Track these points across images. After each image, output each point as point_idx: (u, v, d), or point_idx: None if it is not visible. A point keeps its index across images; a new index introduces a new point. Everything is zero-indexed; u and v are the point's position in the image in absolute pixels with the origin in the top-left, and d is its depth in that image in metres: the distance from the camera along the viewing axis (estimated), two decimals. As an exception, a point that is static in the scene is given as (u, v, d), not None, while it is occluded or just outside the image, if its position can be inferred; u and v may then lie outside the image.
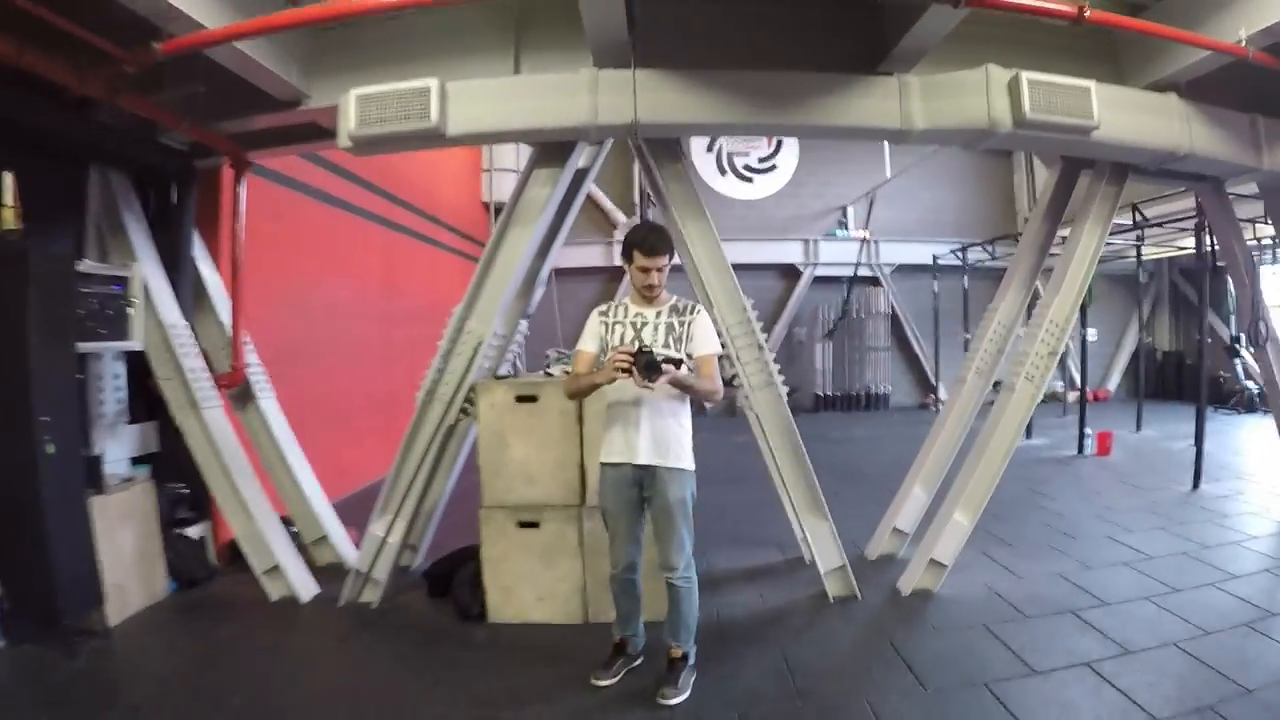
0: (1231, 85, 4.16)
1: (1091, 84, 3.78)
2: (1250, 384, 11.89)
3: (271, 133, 4.61)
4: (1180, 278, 14.22)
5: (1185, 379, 13.99)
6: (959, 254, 13.08)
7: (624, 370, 2.80)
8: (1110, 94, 3.90)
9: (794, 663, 3.45)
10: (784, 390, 4.18)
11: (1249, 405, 11.69)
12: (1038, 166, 13.95)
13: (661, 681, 3.13)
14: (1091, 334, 10.24)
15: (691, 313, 3.14)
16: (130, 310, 4.18)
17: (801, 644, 3.67)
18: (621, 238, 13.71)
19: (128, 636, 3.84)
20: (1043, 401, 4.50)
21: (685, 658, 3.19)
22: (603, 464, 3.15)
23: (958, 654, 3.54)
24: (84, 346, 3.96)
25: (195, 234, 4.90)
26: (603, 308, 3.21)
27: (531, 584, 3.94)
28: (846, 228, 14.51)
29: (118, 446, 4.46)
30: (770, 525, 5.43)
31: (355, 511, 5.29)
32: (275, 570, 4.36)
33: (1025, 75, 3.68)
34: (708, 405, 3.30)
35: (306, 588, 4.40)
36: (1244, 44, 3.62)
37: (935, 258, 13.62)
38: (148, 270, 4.40)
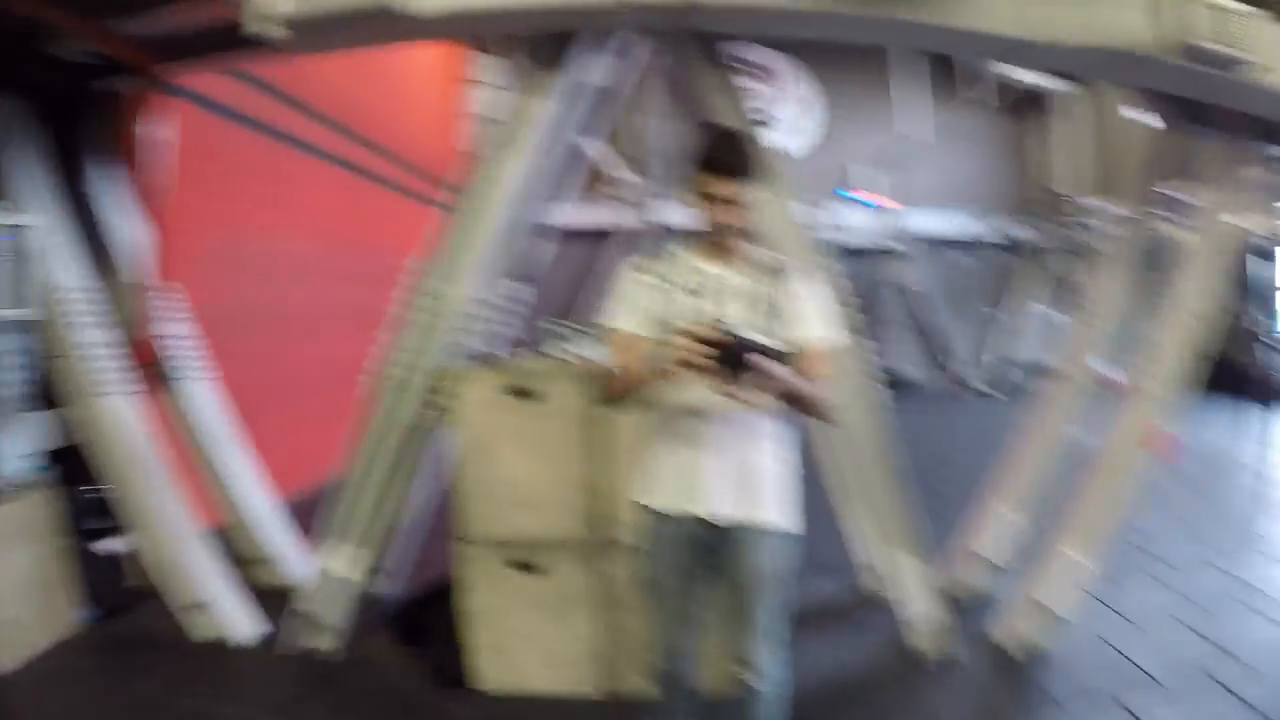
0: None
1: (1263, 15, 2.81)
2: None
3: (192, 40, 3.51)
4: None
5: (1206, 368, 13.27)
6: (992, 226, 12.14)
7: (703, 366, 1.69)
8: (1275, 32, 2.89)
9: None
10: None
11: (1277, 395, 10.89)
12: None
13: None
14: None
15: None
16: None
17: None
18: (611, 194, 12.74)
19: (23, 689, 3.01)
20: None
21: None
22: (646, 509, 2.04)
23: (1098, 743, 2.70)
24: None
25: (110, 174, 3.86)
26: (639, 261, 2.07)
27: (533, 644, 2.96)
28: (862, 195, 13.41)
29: (13, 442, 3.51)
30: (807, 537, 4.54)
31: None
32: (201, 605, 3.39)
33: (1190, -13, 2.71)
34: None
35: (243, 627, 3.44)
36: None
37: (966, 232, 12.63)
38: (43, 219, 3.47)
